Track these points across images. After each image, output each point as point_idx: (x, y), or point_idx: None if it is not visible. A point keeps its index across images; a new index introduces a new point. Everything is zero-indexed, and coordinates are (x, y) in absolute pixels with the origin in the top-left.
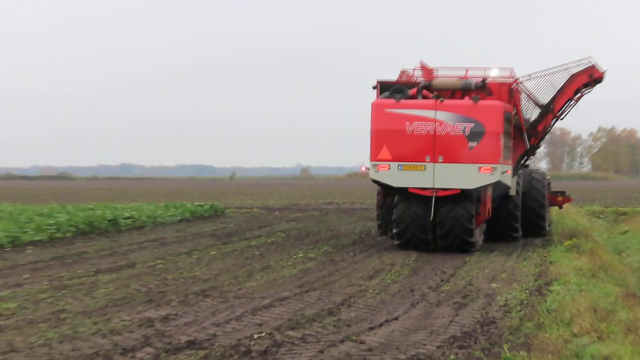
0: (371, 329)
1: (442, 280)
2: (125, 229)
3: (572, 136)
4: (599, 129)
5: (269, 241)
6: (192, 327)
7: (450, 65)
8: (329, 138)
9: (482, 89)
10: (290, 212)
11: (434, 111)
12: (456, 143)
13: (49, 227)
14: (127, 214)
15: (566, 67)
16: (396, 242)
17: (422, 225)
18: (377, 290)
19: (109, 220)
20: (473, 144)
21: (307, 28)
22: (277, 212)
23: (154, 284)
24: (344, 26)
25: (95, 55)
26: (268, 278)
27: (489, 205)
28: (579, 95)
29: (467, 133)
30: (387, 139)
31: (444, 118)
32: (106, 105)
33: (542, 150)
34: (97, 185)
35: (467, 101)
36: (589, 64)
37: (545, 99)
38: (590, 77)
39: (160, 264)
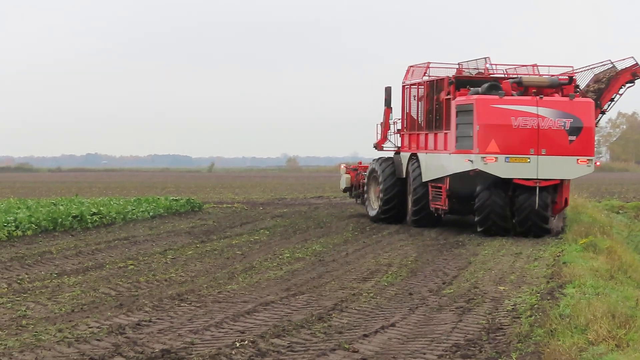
0: (365, 336)
1: (443, 283)
2: (92, 227)
3: None
4: (619, 115)
5: (252, 239)
6: (167, 334)
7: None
8: (319, 125)
9: (566, 86)
10: (276, 207)
11: (536, 107)
12: (557, 137)
13: (7, 224)
14: (94, 210)
15: (611, 64)
16: (479, 229)
17: (502, 213)
18: (372, 294)
19: (74, 217)
20: (572, 137)
21: None
22: (261, 208)
23: (124, 286)
24: None
25: (52, 31)
26: (251, 280)
27: (566, 195)
28: (623, 90)
29: (567, 128)
30: (494, 133)
31: (545, 114)
32: (68, 89)
33: None
34: (61, 177)
35: (564, 98)
36: (633, 63)
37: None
38: (633, 75)
39: (131, 264)
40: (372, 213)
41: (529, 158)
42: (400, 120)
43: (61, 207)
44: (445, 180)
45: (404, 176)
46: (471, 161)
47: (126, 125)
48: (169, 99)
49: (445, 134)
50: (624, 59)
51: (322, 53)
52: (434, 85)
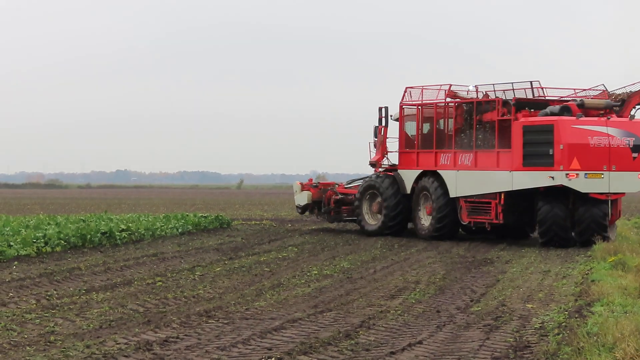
0: (392, 353)
1: (471, 300)
2: (121, 243)
3: None
4: None
5: (280, 256)
6: (195, 351)
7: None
8: (349, 141)
9: (618, 108)
10: (304, 224)
11: (606, 127)
12: (624, 154)
13: (36, 240)
14: (123, 226)
15: (623, 88)
16: (540, 241)
17: (563, 225)
18: (399, 311)
19: (103, 233)
20: (635, 154)
21: (325, 6)
22: (290, 224)
23: (152, 303)
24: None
25: (78, 40)
26: (279, 297)
27: (619, 207)
28: (634, 111)
29: (631, 145)
30: (576, 152)
31: (613, 133)
32: (98, 103)
33: None
34: (90, 193)
35: (624, 119)
36: None
37: None
38: None
39: (159, 281)
40: (371, 227)
41: (602, 174)
42: (398, 139)
43: (90, 224)
44: (499, 195)
45: (409, 192)
46: (552, 177)
47: (156, 142)
48: (198, 116)
49: (498, 152)
50: (634, 83)
51: (353, 69)
52: (476, 106)
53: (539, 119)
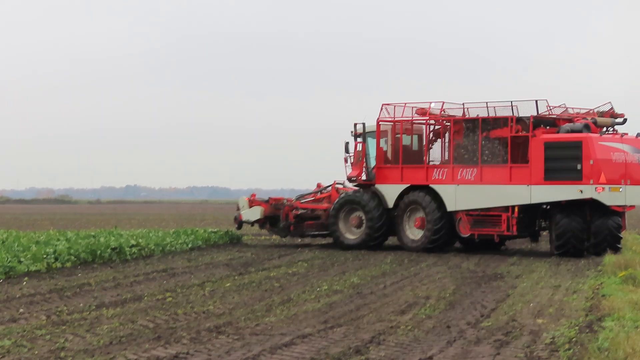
0: None
1: (482, 316)
2: (130, 259)
3: None
4: None
5: (290, 272)
6: None
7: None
8: None
9: (621, 125)
10: (314, 240)
11: (622, 144)
12: (636, 169)
13: (46, 256)
14: (133, 242)
15: (594, 109)
16: (556, 252)
17: (580, 236)
18: (409, 327)
19: (113, 249)
20: None
21: (340, 14)
22: (299, 239)
23: (162, 319)
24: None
25: (89, 58)
26: (289, 313)
27: (624, 220)
28: (605, 129)
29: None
30: (603, 167)
31: (628, 150)
32: (108, 120)
33: None
34: (100, 209)
35: (633, 137)
36: (610, 107)
37: None
38: (612, 116)
39: (169, 297)
40: (350, 241)
41: (621, 188)
42: (376, 155)
43: (100, 239)
44: (511, 208)
45: (391, 206)
46: (581, 191)
47: (165, 157)
48: (207, 131)
49: (511, 167)
50: (604, 104)
51: (364, 82)
52: (481, 123)
53: (563, 135)
